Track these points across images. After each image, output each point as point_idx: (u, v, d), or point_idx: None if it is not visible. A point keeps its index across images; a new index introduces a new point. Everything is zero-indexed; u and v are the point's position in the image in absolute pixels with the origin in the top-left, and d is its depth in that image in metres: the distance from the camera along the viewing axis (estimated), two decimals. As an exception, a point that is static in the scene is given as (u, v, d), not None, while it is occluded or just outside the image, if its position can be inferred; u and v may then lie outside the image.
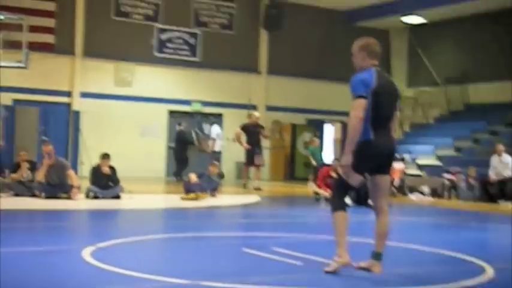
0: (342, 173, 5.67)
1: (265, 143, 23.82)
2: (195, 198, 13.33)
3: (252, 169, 18.29)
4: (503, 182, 16.11)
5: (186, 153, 20.62)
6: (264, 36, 24.64)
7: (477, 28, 23.54)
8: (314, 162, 20.01)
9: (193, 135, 21.35)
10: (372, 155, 5.61)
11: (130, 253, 6.78)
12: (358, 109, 5.51)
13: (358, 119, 5.49)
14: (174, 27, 23.15)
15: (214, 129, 22.33)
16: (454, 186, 17.12)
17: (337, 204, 5.74)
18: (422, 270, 6.25)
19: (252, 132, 17.95)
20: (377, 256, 5.78)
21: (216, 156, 21.82)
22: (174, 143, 19.96)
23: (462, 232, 9.98)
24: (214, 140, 22.34)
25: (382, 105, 5.65)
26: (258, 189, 16.87)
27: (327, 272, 5.59)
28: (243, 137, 18.25)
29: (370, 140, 5.58)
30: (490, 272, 6.07)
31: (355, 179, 5.66)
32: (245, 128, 18.28)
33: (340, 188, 5.80)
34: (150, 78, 22.70)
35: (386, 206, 5.86)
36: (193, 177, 13.97)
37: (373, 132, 5.60)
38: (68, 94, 21.72)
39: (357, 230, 10.07)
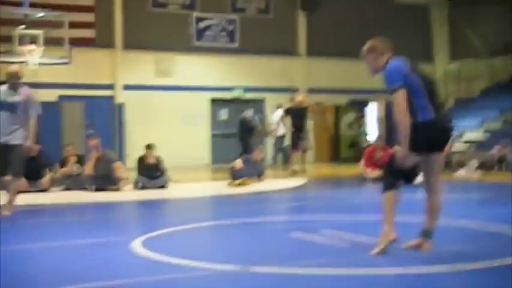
0: (397, 152, 5.59)
1: (309, 125, 23.80)
2: (242, 184, 13.38)
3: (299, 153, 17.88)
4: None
5: (250, 140, 19.84)
6: (302, 18, 24.52)
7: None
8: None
9: (257, 120, 21.06)
10: (432, 135, 5.53)
11: (179, 242, 6.84)
12: (399, 103, 5.45)
13: (402, 113, 5.43)
14: (212, 15, 23.18)
15: (277, 114, 22.34)
16: (503, 159, 16.82)
17: (387, 184, 5.67)
18: (472, 247, 6.18)
19: (295, 115, 17.37)
20: (427, 234, 5.72)
21: (280, 140, 21.94)
22: (238, 130, 19.76)
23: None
24: (278, 124, 22.40)
25: (428, 82, 5.64)
26: (302, 171, 16.70)
27: (375, 255, 5.55)
28: (288, 121, 17.97)
29: (430, 120, 5.49)
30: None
31: (411, 160, 5.57)
32: (289, 112, 17.84)
33: (391, 168, 5.71)
34: (190, 67, 22.80)
35: (440, 184, 5.81)
36: (238, 163, 14.01)
37: (432, 111, 5.52)
38: (111, 87, 21.96)
39: (404, 211, 10.02)
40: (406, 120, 5.42)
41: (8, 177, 8.62)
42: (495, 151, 17.04)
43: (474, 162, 17.40)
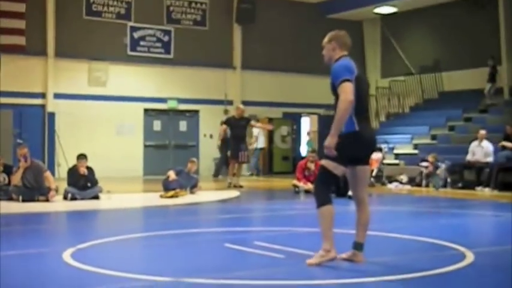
0: (325, 162, 5.64)
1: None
2: (175, 196, 13.29)
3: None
4: (480, 168, 16.24)
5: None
6: (237, 31, 24.63)
7: (448, 16, 23.72)
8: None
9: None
10: (357, 147, 5.58)
11: (111, 253, 6.74)
12: (348, 92, 5.43)
13: (348, 102, 5.42)
14: (147, 25, 23.03)
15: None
16: (430, 174, 17.22)
17: (322, 199, 5.66)
18: (403, 259, 6.28)
19: (236, 126, 16.50)
20: (358, 246, 5.79)
21: (257, 152, 22.01)
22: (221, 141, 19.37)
23: (441, 219, 10.07)
24: (256, 137, 22.45)
25: (362, 94, 5.66)
26: (239, 186, 16.40)
27: (310, 265, 5.59)
28: (227, 132, 17.35)
29: (355, 132, 5.55)
30: (470, 256, 6.13)
31: (339, 170, 5.64)
32: (229, 122, 16.97)
33: (324, 181, 5.73)
34: (124, 77, 22.58)
35: (366, 197, 5.88)
36: (171, 174, 13.91)
37: (357, 122, 5.57)
38: (42, 96, 21.53)
39: (338, 222, 10.14)
40: (349, 108, 5.42)
41: None
42: (424, 166, 17.43)
43: (404, 177, 17.80)
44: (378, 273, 5.34)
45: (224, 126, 17.13)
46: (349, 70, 5.57)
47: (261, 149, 23.19)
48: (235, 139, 16.42)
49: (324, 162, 5.69)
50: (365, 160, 5.78)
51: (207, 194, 14.29)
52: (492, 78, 20.87)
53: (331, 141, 5.48)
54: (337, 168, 5.59)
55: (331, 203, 5.64)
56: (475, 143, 16.69)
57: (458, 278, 5.28)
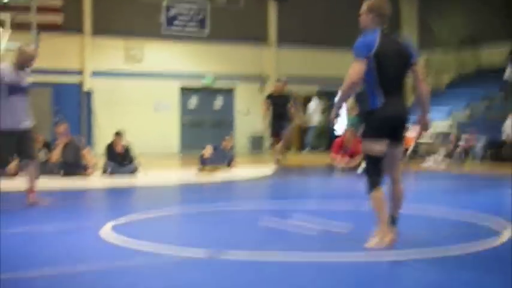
0: (362, 145, 5.58)
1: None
2: (211, 172, 13.38)
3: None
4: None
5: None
6: (272, 7, 24.52)
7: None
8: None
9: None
10: (380, 124, 5.45)
11: (148, 228, 6.83)
12: (353, 72, 5.38)
13: (350, 82, 5.38)
14: (182, 2, 23.05)
15: (312, 104, 22.52)
16: (468, 150, 17.05)
17: (370, 183, 5.50)
18: (438, 234, 6.26)
19: (275, 103, 15.35)
20: (392, 220, 5.65)
21: (312, 129, 22.34)
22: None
23: (477, 195, 9.97)
24: (311, 114, 22.46)
25: (388, 68, 5.45)
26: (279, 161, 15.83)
27: (369, 247, 5.40)
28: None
29: (377, 109, 5.44)
30: (507, 232, 6.08)
31: (376, 149, 5.47)
32: (269, 98, 15.65)
33: (368, 164, 5.60)
34: (160, 54, 22.70)
35: (400, 177, 5.67)
36: (208, 150, 14.00)
37: (382, 99, 5.43)
38: (79, 73, 21.77)
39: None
40: (351, 84, 5.39)
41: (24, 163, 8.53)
42: (462, 142, 17.26)
43: (440, 153, 17.64)
44: (411, 247, 5.33)
45: (267, 101, 16.03)
46: (366, 47, 5.43)
47: (316, 126, 22.97)
48: (274, 117, 15.38)
49: (361, 145, 5.66)
50: (394, 138, 5.54)
51: (243, 171, 14.35)
52: None
53: (332, 113, 5.72)
54: (373, 149, 5.47)
55: (380, 186, 5.45)
56: (509, 121, 16.48)
57: (495, 253, 5.25)
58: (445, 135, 19.25)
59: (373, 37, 5.52)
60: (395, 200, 5.67)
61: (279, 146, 15.34)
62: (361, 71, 5.38)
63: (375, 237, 5.49)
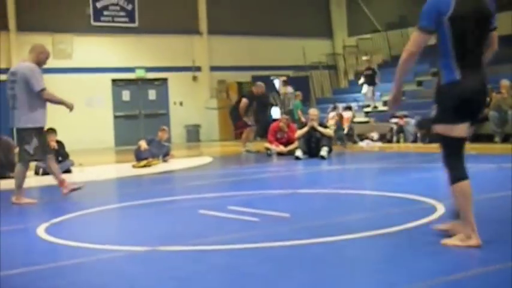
0: (438, 128, 4.68)
1: (212, 103, 23.81)
2: (147, 165, 13.27)
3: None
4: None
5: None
6: (202, -4, 24.38)
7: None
8: (302, 118, 19.08)
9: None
10: (460, 100, 4.55)
11: (86, 226, 6.73)
12: (412, 43, 4.66)
13: (407, 53, 4.66)
14: (110, -6, 22.70)
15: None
16: (401, 130, 17.38)
17: (455, 173, 4.62)
18: (377, 214, 6.37)
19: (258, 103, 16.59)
20: (458, 215, 4.79)
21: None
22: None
23: (412, 174, 10.18)
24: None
25: (467, 36, 4.56)
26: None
27: (446, 245, 4.74)
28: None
29: (456, 81, 4.55)
30: (441, 208, 6.24)
31: (458, 130, 4.62)
32: (249, 97, 16.74)
33: (449, 151, 4.68)
34: (89, 48, 22.31)
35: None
36: (143, 144, 13.87)
37: (460, 70, 4.54)
38: (6, 71, 21.18)
39: (313, 182, 10.24)
40: (407, 61, 4.70)
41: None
42: (394, 122, 17.57)
43: (374, 134, 17.95)
44: (355, 230, 5.40)
45: (245, 100, 16.72)
46: (436, 10, 4.56)
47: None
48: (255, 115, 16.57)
49: (437, 128, 4.71)
50: (475, 117, 4.75)
51: (180, 162, 14.29)
52: (372, 80, 20.39)
53: (392, 96, 4.93)
54: (454, 129, 4.59)
55: (467, 178, 4.61)
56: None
57: (429, 230, 5.37)
58: (378, 116, 19.58)
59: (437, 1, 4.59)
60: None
61: (245, 135, 16.64)
62: (421, 44, 4.64)
63: (457, 237, 4.71)
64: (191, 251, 5.05)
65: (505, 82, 15.52)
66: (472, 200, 4.60)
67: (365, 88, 20.41)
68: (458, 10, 4.50)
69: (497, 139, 15.33)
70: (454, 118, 4.58)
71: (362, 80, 20.74)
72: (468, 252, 4.55)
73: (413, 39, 4.66)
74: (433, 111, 4.68)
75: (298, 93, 21.58)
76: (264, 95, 16.90)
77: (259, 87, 16.77)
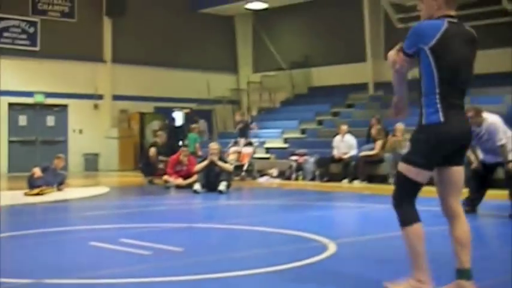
0: (403, 168, 4.26)
1: (113, 132, 23.47)
2: (40, 193, 12.85)
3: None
4: (346, 161, 16.74)
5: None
6: (107, 24, 24.11)
7: (317, 13, 24.39)
8: (199, 152, 19.14)
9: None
10: (443, 144, 4.18)
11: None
12: (394, 61, 4.37)
13: (392, 71, 4.43)
14: (10, 15, 22.07)
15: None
16: (300, 167, 17.63)
17: (407, 215, 4.29)
18: (269, 251, 6.38)
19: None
20: (465, 274, 4.28)
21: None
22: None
23: (308, 211, 10.32)
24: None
25: (455, 71, 4.18)
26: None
27: None
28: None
29: (439, 124, 4.16)
30: (332, 248, 6.32)
31: (422, 176, 4.24)
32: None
33: (405, 192, 4.32)
34: (-14, 70, 21.54)
35: (460, 207, 4.42)
36: (37, 171, 13.43)
37: (445, 110, 4.15)
38: None
39: (209, 217, 10.19)
40: (394, 80, 4.47)
41: None
42: (293, 160, 17.81)
43: (274, 171, 18.12)
44: (241, 268, 5.38)
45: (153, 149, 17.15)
46: (420, 36, 4.17)
47: None
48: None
49: (401, 167, 4.31)
50: (458, 159, 4.34)
51: (75, 191, 13.92)
52: (244, 133, 19.75)
53: (392, 106, 4.59)
54: (420, 174, 4.21)
55: (419, 220, 4.28)
56: (338, 137, 17.19)
57: (318, 269, 5.42)
58: (278, 152, 19.80)
59: (436, 25, 4.16)
60: (463, 243, 4.31)
61: None
62: (400, 63, 4.33)
63: (409, 285, 4.30)
64: (77, 284, 4.89)
65: (399, 125, 16.03)
66: (423, 243, 4.26)
67: (241, 142, 19.83)
68: (446, 42, 4.12)
69: (391, 180, 15.77)
70: (425, 163, 4.19)
71: (237, 132, 20.45)
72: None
73: (395, 58, 4.36)
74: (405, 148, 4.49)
75: (195, 126, 21.56)
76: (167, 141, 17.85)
77: (161, 136, 17.91)
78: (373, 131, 16.94)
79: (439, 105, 4.16)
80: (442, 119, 4.14)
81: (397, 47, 4.35)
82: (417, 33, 4.18)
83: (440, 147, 4.16)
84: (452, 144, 4.21)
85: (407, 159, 4.27)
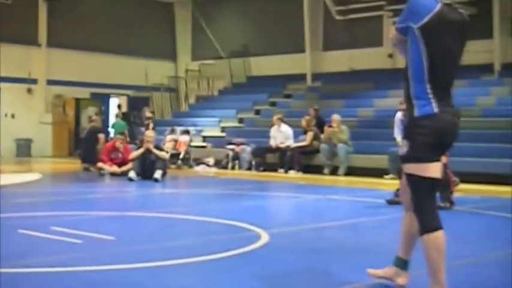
0: (410, 167, 3.92)
1: (47, 118, 23.05)
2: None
3: None
4: (282, 151, 16.82)
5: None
6: (43, 7, 23.55)
7: (258, 3, 24.43)
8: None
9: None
10: (441, 133, 3.88)
11: None
12: (393, 38, 4.06)
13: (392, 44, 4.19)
14: None
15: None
16: (237, 156, 17.64)
17: (426, 222, 3.89)
18: (200, 241, 6.37)
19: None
20: (403, 264, 4.33)
21: None
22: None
23: (243, 201, 10.34)
24: None
25: (445, 56, 3.91)
26: None
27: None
28: None
29: (433, 115, 3.87)
30: (265, 237, 6.35)
31: (433, 169, 3.90)
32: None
33: (421, 195, 3.93)
34: None
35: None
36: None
37: (437, 101, 3.87)
38: None
39: (143, 205, 10.10)
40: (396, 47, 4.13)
41: None
42: (230, 149, 17.81)
43: (210, 159, 18.09)
44: (173, 257, 5.35)
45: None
46: (415, 13, 3.86)
47: None
48: None
49: (407, 168, 3.95)
50: (440, 154, 4.01)
51: (6, 177, 13.58)
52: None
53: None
54: (429, 168, 3.87)
55: (441, 227, 3.89)
56: (275, 128, 17.28)
57: (250, 259, 5.44)
58: (215, 141, 19.78)
59: (429, 3, 3.88)
60: (414, 234, 4.16)
61: None
62: (396, 40, 4.03)
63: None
64: (5, 273, 4.76)
65: (336, 116, 16.22)
66: (445, 254, 3.88)
67: (178, 130, 19.57)
68: (439, 23, 3.84)
69: (326, 171, 15.96)
70: (429, 156, 3.87)
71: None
72: None
73: (393, 34, 4.04)
74: (402, 148, 3.97)
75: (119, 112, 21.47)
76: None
77: (97, 121, 17.88)
78: (303, 122, 17.07)
79: (430, 95, 3.87)
80: (435, 109, 3.86)
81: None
82: (410, 8, 3.89)
83: (439, 137, 3.87)
84: (450, 135, 3.95)
85: (409, 157, 3.91)
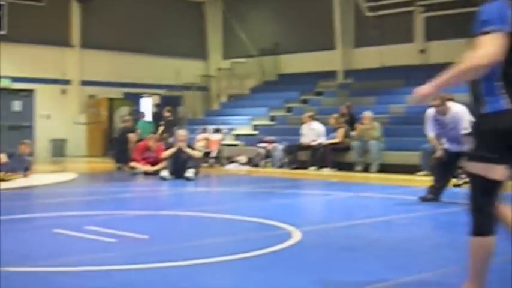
0: (472, 166, 3.71)
1: (81, 118, 23.33)
2: (4, 179, 12.70)
3: None
4: (314, 149, 16.78)
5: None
6: (75, 8, 23.81)
7: (288, 0, 24.39)
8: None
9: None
10: (506, 138, 3.59)
11: None
12: (485, 48, 3.46)
13: (476, 62, 3.47)
14: (-25, -1, 21.69)
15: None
16: (268, 154, 17.66)
17: (477, 224, 3.70)
18: (234, 239, 6.41)
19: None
20: None
21: None
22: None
23: (275, 199, 10.35)
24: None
25: None
26: None
27: None
28: None
29: (506, 111, 3.59)
30: (297, 235, 6.36)
31: (497, 172, 3.64)
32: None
33: (479, 195, 3.72)
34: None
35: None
36: (2, 157, 13.27)
37: (509, 97, 3.60)
38: None
39: (176, 204, 10.18)
40: (467, 73, 3.55)
41: None
42: (262, 147, 17.83)
43: (242, 158, 18.13)
44: (206, 255, 5.39)
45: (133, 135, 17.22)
46: (501, 16, 3.52)
47: None
48: None
49: (469, 166, 3.76)
50: (508, 156, 3.67)
51: (42, 177, 13.79)
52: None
53: (426, 88, 3.69)
54: (496, 170, 3.63)
55: (492, 234, 3.68)
56: (305, 125, 17.25)
57: (282, 257, 5.46)
58: (247, 140, 19.82)
59: (500, 4, 3.58)
60: None
61: None
62: (498, 50, 3.47)
63: None
64: (39, 272, 4.85)
65: (367, 114, 16.15)
66: (488, 258, 3.70)
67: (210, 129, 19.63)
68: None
69: (358, 168, 15.89)
70: (494, 157, 3.60)
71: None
72: None
73: (486, 47, 3.47)
74: (468, 145, 3.80)
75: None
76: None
77: (129, 121, 18.09)
78: (332, 120, 17.04)
79: (501, 91, 3.60)
80: (508, 105, 3.58)
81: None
82: (497, 11, 3.52)
83: (509, 137, 3.57)
84: None
85: (473, 155, 3.70)
